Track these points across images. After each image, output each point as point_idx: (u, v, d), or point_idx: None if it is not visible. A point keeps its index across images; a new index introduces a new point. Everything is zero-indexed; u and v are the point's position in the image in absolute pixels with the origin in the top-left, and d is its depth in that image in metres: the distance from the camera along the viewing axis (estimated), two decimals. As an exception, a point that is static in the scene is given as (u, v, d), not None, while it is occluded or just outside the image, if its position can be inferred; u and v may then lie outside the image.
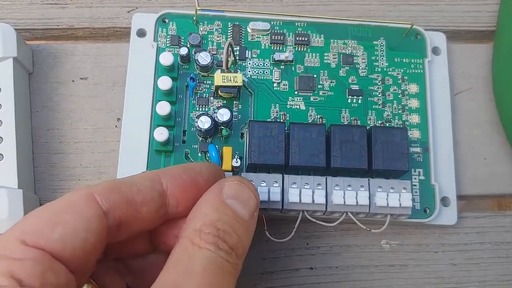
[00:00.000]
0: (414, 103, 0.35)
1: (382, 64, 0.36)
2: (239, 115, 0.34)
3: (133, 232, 0.24)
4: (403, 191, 0.31)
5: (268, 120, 0.34)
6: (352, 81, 0.35)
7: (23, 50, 0.34)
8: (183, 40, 0.35)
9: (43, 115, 0.35)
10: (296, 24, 0.36)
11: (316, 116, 0.34)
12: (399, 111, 0.35)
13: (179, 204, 0.24)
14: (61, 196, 0.32)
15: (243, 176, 0.31)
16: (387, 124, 0.34)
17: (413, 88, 0.35)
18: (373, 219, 0.32)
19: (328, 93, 0.35)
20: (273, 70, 0.35)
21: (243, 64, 0.35)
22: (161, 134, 0.31)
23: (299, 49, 0.35)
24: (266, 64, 0.35)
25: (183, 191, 0.24)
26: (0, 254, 0.19)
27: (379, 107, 0.35)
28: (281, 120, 0.34)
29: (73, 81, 0.36)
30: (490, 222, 0.35)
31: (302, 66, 0.35)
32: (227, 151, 0.32)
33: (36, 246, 0.20)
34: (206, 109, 0.34)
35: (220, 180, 0.26)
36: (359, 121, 0.34)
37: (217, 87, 0.33)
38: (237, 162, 0.32)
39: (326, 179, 0.31)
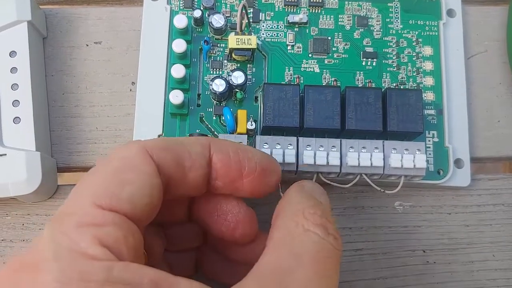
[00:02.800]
0: (428, 65, 0.35)
1: (397, 26, 0.35)
2: (253, 78, 0.34)
3: (177, 196, 0.23)
4: (417, 152, 0.31)
5: (282, 82, 0.34)
6: (367, 43, 0.35)
7: (37, 14, 0.34)
8: (196, 3, 0.35)
9: (58, 79, 0.35)
10: (310, -15, 0.36)
11: (331, 79, 0.34)
12: (414, 74, 0.35)
13: (218, 177, 0.24)
14: (79, 158, 0.34)
15: (259, 137, 0.31)
16: (401, 87, 0.34)
17: (428, 50, 0.35)
18: (387, 181, 0.32)
19: (343, 55, 0.34)
20: (287, 33, 0.35)
21: (257, 26, 0.35)
22: (177, 96, 0.31)
23: (313, 11, 0.35)
24: (280, 27, 0.35)
25: (225, 167, 0.23)
26: (82, 221, 0.18)
27: (394, 69, 0.35)
28: (296, 83, 0.34)
29: (87, 45, 0.36)
30: (503, 184, 0.35)
31: (317, 29, 0.35)
32: (242, 114, 0.32)
33: (111, 209, 0.19)
34: (220, 73, 0.34)
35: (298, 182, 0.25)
36: (373, 84, 0.34)
37: (231, 50, 0.33)
38: (252, 125, 0.32)
39: (340, 141, 0.31)
